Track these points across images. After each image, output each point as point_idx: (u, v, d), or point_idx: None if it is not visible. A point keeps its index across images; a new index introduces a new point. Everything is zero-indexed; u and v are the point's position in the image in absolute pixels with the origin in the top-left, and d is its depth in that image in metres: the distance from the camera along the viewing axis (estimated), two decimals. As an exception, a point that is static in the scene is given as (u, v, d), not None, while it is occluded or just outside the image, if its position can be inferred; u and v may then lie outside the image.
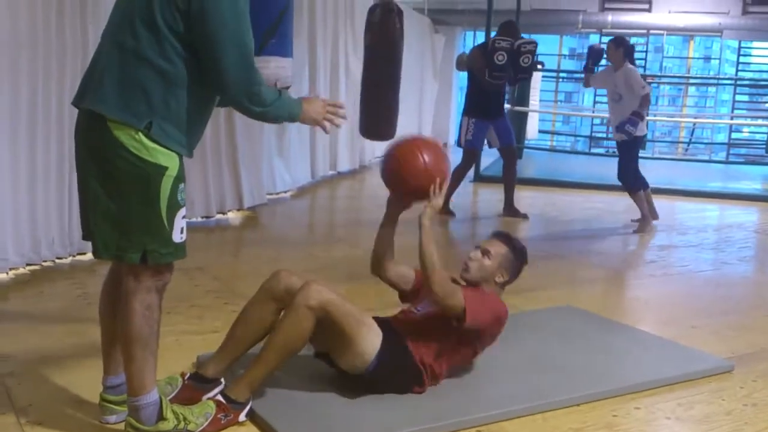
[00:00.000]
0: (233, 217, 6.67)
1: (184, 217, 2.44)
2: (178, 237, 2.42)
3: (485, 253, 3.09)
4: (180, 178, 2.40)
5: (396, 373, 2.84)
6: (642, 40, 15.73)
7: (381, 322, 2.89)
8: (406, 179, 2.95)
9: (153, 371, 2.48)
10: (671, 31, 15.42)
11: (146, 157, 2.31)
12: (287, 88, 3.60)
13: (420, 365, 2.88)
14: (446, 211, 7.09)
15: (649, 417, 2.89)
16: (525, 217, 7.42)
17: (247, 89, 2.43)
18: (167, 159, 2.35)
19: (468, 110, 7.30)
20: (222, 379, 2.81)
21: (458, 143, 7.51)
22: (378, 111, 5.05)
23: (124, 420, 2.52)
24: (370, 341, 2.76)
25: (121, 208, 2.35)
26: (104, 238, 2.41)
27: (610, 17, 14.65)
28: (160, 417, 2.46)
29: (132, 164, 2.31)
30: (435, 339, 2.92)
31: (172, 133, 2.36)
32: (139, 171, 2.31)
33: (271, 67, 3.53)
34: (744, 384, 3.25)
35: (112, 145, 2.30)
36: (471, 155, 7.42)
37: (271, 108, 2.51)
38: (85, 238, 2.52)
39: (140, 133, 2.29)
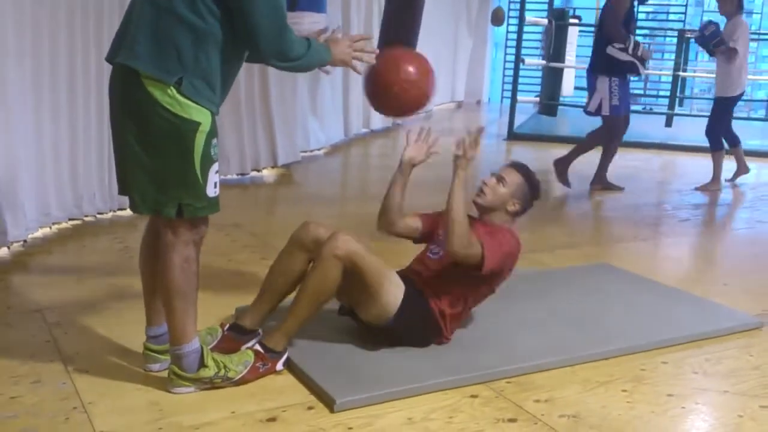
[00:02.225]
0: (268, 174, 6.76)
1: (217, 172, 2.51)
2: (212, 191, 2.49)
3: (500, 180, 3.08)
4: (213, 133, 2.46)
5: (416, 326, 2.91)
6: (682, -6, 15.41)
7: (402, 276, 2.94)
8: (386, 93, 2.96)
9: (194, 321, 2.57)
10: (712, -15, 15.12)
11: (180, 113, 2.37)
12: None
13: (439, 319, 2.94)
14: (606, 185, 6.71)
15: (677, 371, 2.93)
16: (620, 188, 6.76)
17: (278, 46, 2.47)
18: (200, 115, 2.40)
19: (606, 68, 6.35)
20: (260, 330, 2.91)
21: (594, 111, 6.53)
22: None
23: (167, 368, 2.62)
24: (393, 294, 2.82)
25: (156, 163, 2.42)
26: (141, 193, 2.48)
27: (649, -31, 14.36)
28: (202, 364, 2.56)
29: (166, 120, 2.37)
30: (453, 284, 2.96)
31: (202, 89, 2.41)
32: (173, 126, 2.37)
33: (305, 23, 3.56)
34: (773, 340, 3.28)
35: (146, 101, 2.35)
36: (620, 123, 6.55)
37: (303, 60, 2.57)
38: (121, 192, 2.60)
39: (173, 89, 2.34)
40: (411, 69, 2.96)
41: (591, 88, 6.53)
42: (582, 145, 6.79)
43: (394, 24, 4.96)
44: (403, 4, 4.96)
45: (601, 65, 6.38)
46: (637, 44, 6.27)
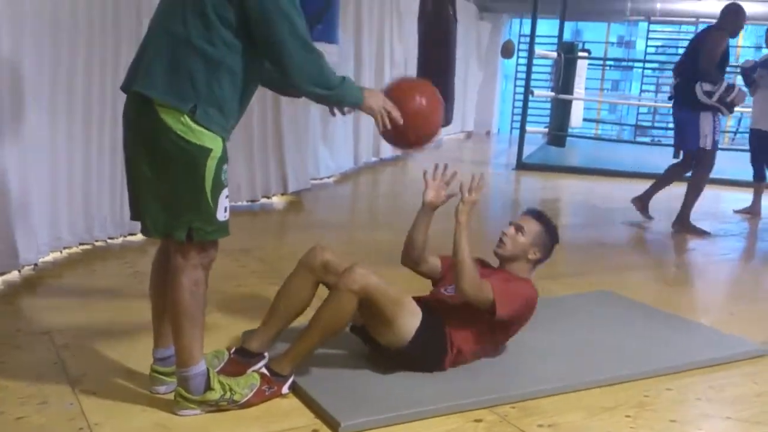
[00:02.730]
0: (277, 201, 6.80)
1: (227, 197, 2.55)
2: (222, 215, 2.53)
3: (519, 229, 3.13)
4: (224, 159, 2.51)
5: (426, 353, 2.92)
6: (691, 29, 15.51)
7: (421, 302, 2.96)
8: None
9: (200, 344, 2.60)
10: (721, 18, 15.16)
11: (192, 140, 2.42)
12: None
13: (448, 347, 2.95)
14: (693, 230, 6.32)
15: (681, 398, 2.93)
16: (707, 234, 6.30)
17: (314, 75, 2.54)
18: (212, 141, 2.45)
19: (705, 104, 6.09)
20: (266, 354, 2.93)
21: (692, 146, 6.27)
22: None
23: (173, 390, 2.65)
24: (409, 323, 2.84)
25: (169, 188, 2.48)
26: (153, 218, 2.54)
27: (659, 5, 14.42)
28: (208, 387, 2.58)
29: (179, 147, 2.42)
30: (470, 323, 2.99)
31: (215, 117, 2.46)
32: (185, 153, 2.43)
33: None
34: (778, 369, 3.28)
35: (160, 128, 2.41)
36: (712, 157, 6.34)
37: (337, 91, 2.61)
38: (133, 218, 2.65)
39: (186, 116, 2.40)
40: (422, 100, 2.92)
41: (686, 125, 6.23)
42: (663, 179, 6.75)
43: (428, 63, 5.02)
44: (436, 43, 5.03)
45: (698, 102, 6.09)
46: (730, 87, 6.02)
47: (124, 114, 2.56)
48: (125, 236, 4.96)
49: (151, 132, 2.44)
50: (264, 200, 6.62)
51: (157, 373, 2.75)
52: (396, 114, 2.73)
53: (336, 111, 2.84)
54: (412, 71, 8.00)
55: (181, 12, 2.42)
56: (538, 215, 3.22)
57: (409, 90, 2.94)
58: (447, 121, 4.90)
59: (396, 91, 2.88)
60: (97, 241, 4.78)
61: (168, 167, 2.46)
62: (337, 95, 2.63)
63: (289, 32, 2.45)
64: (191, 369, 2.57)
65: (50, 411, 2.58)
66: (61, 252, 4.52)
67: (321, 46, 3.63)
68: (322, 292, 2.94)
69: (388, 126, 2.74)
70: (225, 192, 2.54)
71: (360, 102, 2.70)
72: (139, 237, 4.93)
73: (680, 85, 6.24)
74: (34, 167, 4.09)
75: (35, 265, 4.17)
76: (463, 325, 2.99)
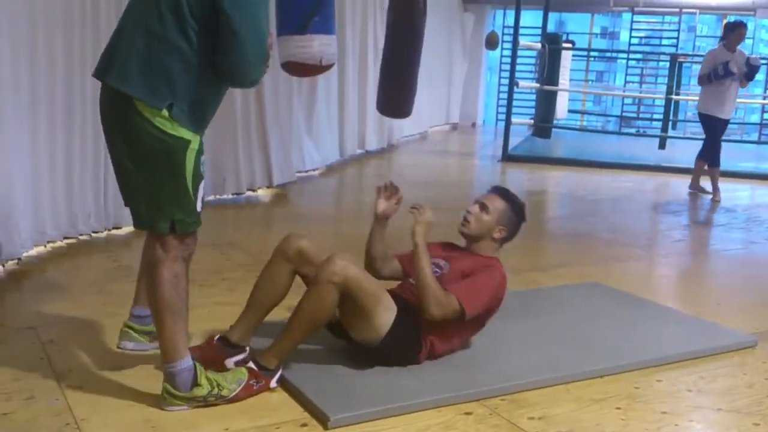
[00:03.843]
0: (263, 194, 6.77)
1: (203, 188, 2.57)
2: (199, 206, 2.56)
3: (483, 207, 3.09)
4: (201, 151, 2.53)
5: (401, 348, 2.90)
6: (674, 19, 15.56)
7: (396, 297, 2.94)
8: None
9: (185, 338, 2.57)
10: (704, 9, 15.24)
11: (170, 131, 2.43)
12: (332, 65, 3.67)
13: (422, 341, 2.93)
14: None
15: (671, 389, 2.93)
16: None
17: (251, 79, 2.54)
18: (189, 134, 2.48)
19: None
20: (247, 348, 2.90)
21: None
22: (396, 88, 4.96)
23: (140, 349, 2.63)
24: (385, 317, 2.82)
25: (150, 181, 2.48)
26: (137, 211, 2.55)
27: (642, -5, 14.51)
28: (195, 383, 2.55)
29: (158, 139, 2.42)
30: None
31: (191, 113, 2.47)
32: (165, 145, 2.43)
33: (315, 46, 3.58)
34: (767, 359, 3.28)
35: (138, 121, 2.41)
36: None
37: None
38: (126, 204, 2.66)
39: (165, 110, 2.41)
40: None
41: None
42: None
43: (393, 53, 4.97)
44: (403, 33, 4.98)
45: None
46: None
47: (101, 105, 2.55)
48: (109, 230, 4.92)
49: (129, 126, 2.44)
50: (249, 193, 6.59)
51: (129, 328, 2.73)
52: None
53: None
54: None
55: (157, 7, 2.40)
56: (503, 192, 3.16)
57: None
58: (409, 112, 4.85)
59: None
60: (81, 235, 4.74)
61: (148, 159, 2.46)
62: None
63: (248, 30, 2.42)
64: (177, 364, 2.54)
65: (36, 406, 2.55)
66: (45, 246, 4.47)
67: (318, 39, 3.60)
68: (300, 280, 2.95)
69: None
70: (202, 183, 2.56)
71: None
72: (124, 230, 4.91)
73: None
74: (16, 161, 4.04)
75: (19, 259, 4.13)
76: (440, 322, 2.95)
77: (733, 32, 7.53)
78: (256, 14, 2.44)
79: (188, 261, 2.59)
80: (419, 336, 2.93)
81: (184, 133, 2.45)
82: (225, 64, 2.46)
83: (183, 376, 2.55)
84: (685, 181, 8.25)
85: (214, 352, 2.85)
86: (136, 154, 2.46)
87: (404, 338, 2.88)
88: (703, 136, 7.87)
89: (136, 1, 2.51)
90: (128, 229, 4.94)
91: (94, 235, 4.83)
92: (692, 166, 8.03)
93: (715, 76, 7.46)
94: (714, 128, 7.68)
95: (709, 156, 7.70)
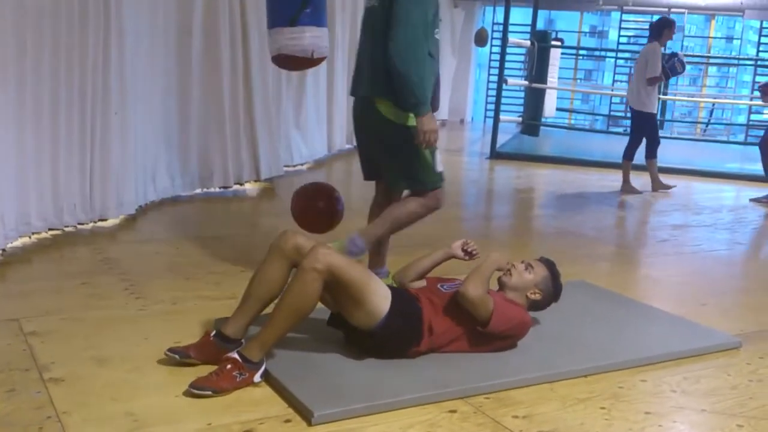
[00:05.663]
0: (250, 188, 6.75)
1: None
2: (440, 167, 3.69)
3: (528, 267, 3.22)
4: None
5: (401, 333, 2.90)
6: (663, 19, 15.59)
7: (410, 296, 2.99)
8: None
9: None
10: (693, 9, 15.30)
11: (403, 123, 3.50)
12: (324, 58, 3.66)
13: (424, 332, 2.94)
14: None
15: (655, 389, 2.94)
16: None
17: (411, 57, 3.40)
18: (412, 120, 3.47)
19: None
20: (243, 341, 2.89)
21: None
22: None
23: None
24: (378, 303, 2.83)
25: (402, 163, 3.62)
26: (394, 180, 3.80)
27: (631, -6, 14.53)
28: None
29: (398, 131, 3.52)
30: (456, 318, 3.00)
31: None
32: (404, 133, 3.51)
33: (307, 38, 3.56)
34: (751, 360, 3.30)
35: (381, 120, 3.53)
36: None
37: (418, 86, 3.43)
38: (366, 179, 4.00)
39: (391, 103, 3.47)
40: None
41: None
42: None
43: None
44: None
45: None
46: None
47: (354, 114, 3.80)
48: (95, 222, 4.89)
49: (377, 124, 3.60)
50: (237, 187, 6.56)
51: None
52: (436, 140, 3.59)
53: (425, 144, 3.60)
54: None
55: (382, 38, 3.42)
56: (550, 264, 3.30)
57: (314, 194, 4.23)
58: None
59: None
60: (66, 226, 4.71)
61: (395, 149, 3.59)
62: (419, 90, 3.45)
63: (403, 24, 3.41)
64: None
65: (18, 399, 2.53)
66: (30, 237, 4.44)
67: (310, 31, 3.58)
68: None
69: (428, 145, 3.57)
70: (438, 150, 3.64)
71: (422, 110, 3.48)
72: (110, 223, 4.88)
73: None
74: (1, 152, 4.01)
75: (3, 250, 4.10)
76: (446, 315, 2.99)
77: (671, 29, 7.85)
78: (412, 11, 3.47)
79: (432, 209, 3.74)
80: (419, 326, 2.94)
81: (410, 120, 3.53)
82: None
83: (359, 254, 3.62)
84: (671, 179, 8.28)
85: (212, 349, 2.84)
86: (386, 146, 3.70)
87: (403, 327, 2.90)
88: (695, 138, 8.10)
89: (365, 35, 3.70)
90: (114, 221, 4.92)
91: (79, 226, 4.80)
92: (680, 165, 8.11)
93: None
94: (655, 124, 8.16)
95: (654, 150, 8.12)
